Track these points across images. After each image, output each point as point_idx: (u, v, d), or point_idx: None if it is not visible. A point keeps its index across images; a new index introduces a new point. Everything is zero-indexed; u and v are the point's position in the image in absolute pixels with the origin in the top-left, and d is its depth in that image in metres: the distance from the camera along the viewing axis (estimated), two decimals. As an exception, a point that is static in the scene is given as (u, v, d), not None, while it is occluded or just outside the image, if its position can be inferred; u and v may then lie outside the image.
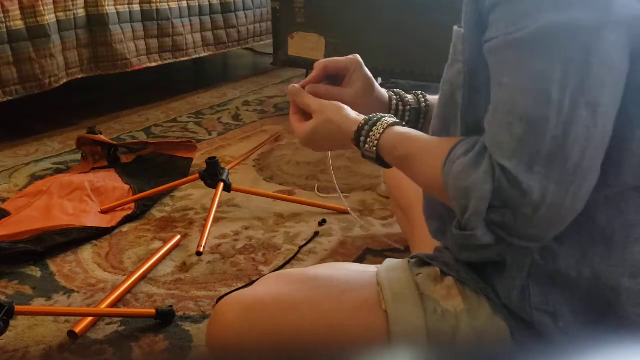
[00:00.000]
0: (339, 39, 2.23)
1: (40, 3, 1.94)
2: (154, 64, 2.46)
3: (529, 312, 0.64)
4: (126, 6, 2.30)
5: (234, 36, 2.86)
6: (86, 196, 1.58)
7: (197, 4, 2.63)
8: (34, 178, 1.77)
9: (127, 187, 1.66)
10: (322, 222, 1.48)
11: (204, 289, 1.22)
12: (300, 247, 1.37)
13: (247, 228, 1.47)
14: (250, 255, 1.35)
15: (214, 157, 1.51)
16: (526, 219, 0.55)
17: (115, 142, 1.87)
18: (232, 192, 1.53)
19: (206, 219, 1.39)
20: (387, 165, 0.72)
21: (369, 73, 0.85)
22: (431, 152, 0.65)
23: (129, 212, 1.52)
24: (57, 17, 2.03)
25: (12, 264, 1.29)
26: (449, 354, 0.65)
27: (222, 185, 1.49)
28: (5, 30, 1.87)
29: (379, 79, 0.89)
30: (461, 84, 0.64)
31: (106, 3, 2.20)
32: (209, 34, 2.72)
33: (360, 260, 1.33)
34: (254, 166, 1.87)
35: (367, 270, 0.79)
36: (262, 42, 3.13)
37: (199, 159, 1.85)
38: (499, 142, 0.56)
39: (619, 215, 0.61)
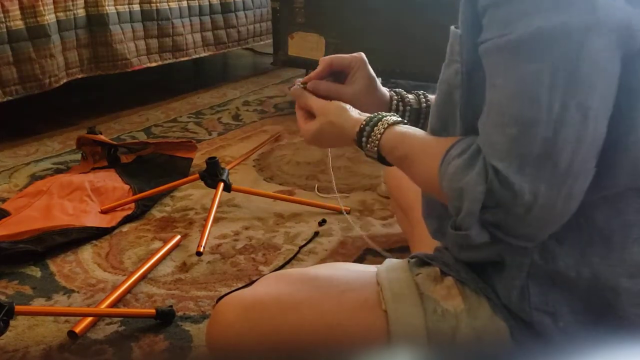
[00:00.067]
0: (339, 39, 2.23)
1: (40, 3, 1.94)
2: (154, 64, 2.46)
3: (528, 312, 0.64)
4: (126, 6, 2.30)
5: (234, 36, 2.87)
6: (86, 196, 1.58)
7: (197, 4, 2.63)
8: (34, 178, 1.77)
9: (127, 187, 1.66)
10: (322, 222, 1.48)
11: (204, 289, 1.22)
12: (300, 247, 1.37)
13: (247, 228, 1.47)
14: (250, 255, 1.35)
15: (214, 157, 1.51)
16: (519, 219, 0.56)
17: (115, 142, 1.87)
18: (232, 192, 1.53)
19: (206, 219, 1.39)
20: (389, 164, 0.73)
21: (372, 72, 0.86)
22: (429, 152, 0.66)
23: (129, 212, 1.52)
24: (57, 17, 2.03)
25: (12, 264, 1.29)
26: (449, 354, 0.65)
27: (222, 185, 1.49)
28: (5, 30, 1.87)
29: (379, 79, 0.90)
30: (459, 84, 0.65)
31: (106, 3, 2.20)
32: (209, 34, 2.72)
33: (360, 260, 1.33)
34: (254, 166, 1.88)
35: (367, 270, 0.79)
36: (262, 42, 3.13)
37: (199, 159, 1.85)
38: (492, 143, 0.56)
39: (617, 215, 0.61)
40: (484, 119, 0.59)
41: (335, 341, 0.71)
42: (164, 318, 1.09)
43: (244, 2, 2.88)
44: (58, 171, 1.83)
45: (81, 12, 2.14)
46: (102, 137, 1.86)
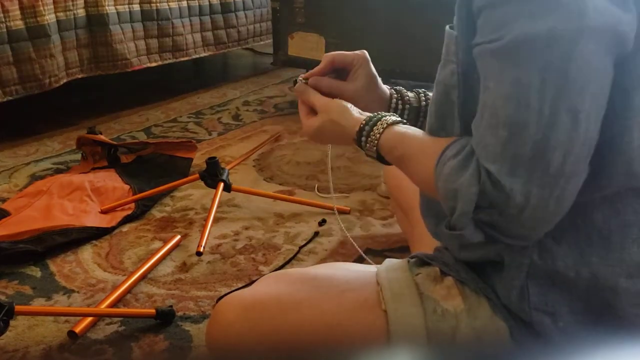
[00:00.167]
0: (339, 39, 2.23)
1: (40, 3, 1.94)
2: (154, 64, 2.46)
3: (528, 312, 0.64)
4: (126, 6, 2.30)
5: (234, 36, 2.87)
6: (86, 196, 1.58)
7: (197, 4, 2.63)
8: (34, 178, 1.77)
9: (127, 187, 1.66)
10: (322, 222, 1.48)
11: (204, 289, 1.22)
12: (300, 247, 1.37)
13: (247, 228, 1.47)
14: (250, 255, 1.35)
15: (214, 157, 1.51)
16: (512, 219, 0.56)
17: (115, 142, 1.87)
18: (232, 192, 1.53)
19: (206, 219, 1.39)
20: (388, 163, 0.73)
21: (373, 70, 0.87)
22: (426, 152, 0.66)
23: (129, 212, 1.52)
24: (57, 17, 2.03)
25: (12, 264, 1.29)
26: (449, 354, 0.65)
27: (222, 185, 1.49)
28: (5, 30, 1.87)
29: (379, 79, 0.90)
30: (455, 84, 0.65)
31: (106, 3, 2.20)
32: (209, 34, 2.72)
33: (360, 260, 1.32)
34: (254, 166, 1.88)
35: (367, 270, 0.79)
36: (262, 42, 3.13)
37: (199, 159, 1.85)
38: (484, 145, 0.57)
39: (616, 215, 0.61)
40: (477, 120, 0.59)
41: (335, 341, 0.71)
42: (164, 318, 1.09)
43: (244, 2, 2.88)
44: (58, 171, 1.83)
45: (81, 12, 2.14)
46: (102, 137, 1.86)
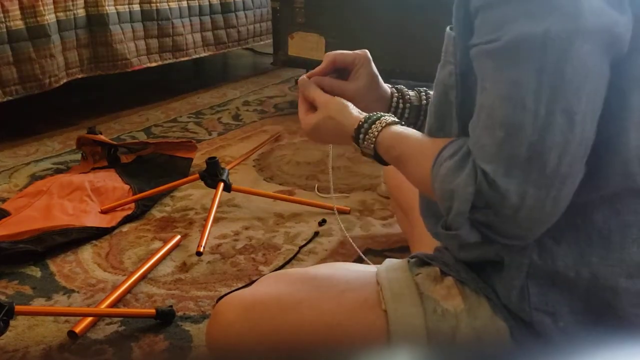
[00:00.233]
0: (339, 39, 2.23)
1: (40, 3, 1.94)
2: (154, 64, 2.46)
3: (528, 312, 0.64)
4: (126, 6, 2.30)
5: (234, 36, 2.87)
6: (86, 196, 1.58)
7: (197, 4, 2.63)
8: (34, 178, 1.77)
9: (127, 187, 1.66)
10: (322, 222, 1.48)
11: (204, 289, 1.22)
12: (300, 247, 1.37)
13: (247, 228, 1.47)
14: (250, 255, 1.35)
15: (214, 157, 1.51)
16: (508, 219, 0.56)
17: (115, 142, 1.87)
18: (232, 192, 1.53)
19: (206, 219, 1.39)
20: (385, 163, 0.73)
21: (375, 70, 0.87)
22: (423, 153, 0.67)
23: (129, 212, 1.52)
24: (57, 17, 2.03)
25: (12, 264, 1.29)
26: (449, 354, 0.65)
27: (222, 185, 1.49)
28: (5, 30, 1.87)
29: (379, 79, 0.90)
30: (453, 85, 0.66)
31: (106, 3, 2.20)
32: (209, 34, 2.72)
33: (360, 260, 1.32)
34: (254, 166, 1.88)
35: (367, 270, 0.79)
36: (262, 42, 3.13)
37: (199, 159, 1.85)
38: (480, 145, 0.57)
39: (615, 216, 0.61)
40: (474, 121, 0.59)
41: (335, 341, 0.71)
42: (164, 318, 1.09)
43: (244, 2, 2.88)
44: (58, 171, 1.83)
45: (81, 12, 2.14)
46: (102, 137, 1.86)
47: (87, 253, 1.36)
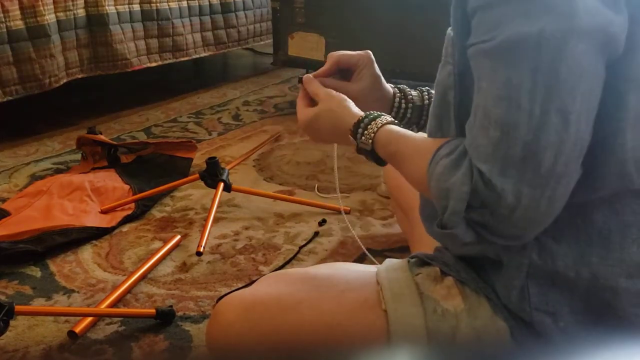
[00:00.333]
0: (339, 39, 2.23)
1: (40, 3, 1.94)
2: (154, 64, 2.46)
3: (528, 312, 0.64)
4: (126, 6, 2.30)
5: (234, 36, 2.87)
6: (86, 196, 1.58)
7: (197, 4, 2.63)
8: (34, 178, 1.77)
9: (127, 187, 1.66)
10: (322, 222, 1.48)
11: (204, 289, 1.22)
12: (300, 247, 1.37)
13: (247, 228, 1.47)
14: (250, 255, 1.35)
15: (214, 157, 1.51)
16: (504, 219, 0.56)
17: (115, 142, 1.87)
18: (232, 192, 1.53)
19: (206, 219, 1.39)
20: (380, 160, 0.74)
21: (378, 70, 0.88)
22: (420, 151, 0.67)
23: (129, 212, 1.52)
24: (57, 17, 2.03)
25: (12, 264, 1.29)
26: (449, 354, 0.65)
27: (222, 185, 1.49)
28: (5, 30, 1.87)
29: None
30: (452, 85, 0.66)
31: (106, 3, 2.20)
32: (209, 34, 2.72)
33: (360, 260, 1.33)
34: (254, 166, 1.88)
35: (367, 270, 0.79)
36: (262, 42, 3.13)
37: (199, 159, 1.85)
38: (476, 145, 0.57)
39: (615, 216, 0.61)
40: (471, 121, 0.60)
41: (335, 341, 0.71)
42: (164, 318, 1.09)
43: (244, 2, 2.88)
44: (58, 171, 1.83)
45: (81, 12, 2.14)
46: (102, 137, 1.86)
47: (87, 253, 1.36)
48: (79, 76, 2.19)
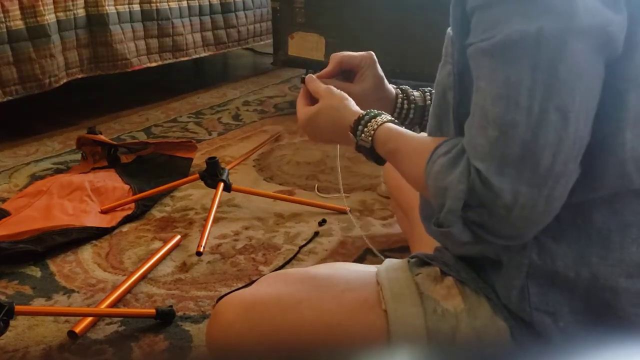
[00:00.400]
0: (339, 39, 2.23)
1: (40, 3, 1.94)
2: (154, 64, 2.46)
3: (528, 312, 0.64)
4: (126, 6, 2.30)
5: (234, 36, 2.87)
6: (86, 196, 1.58)
7: (197, 4, 2.63)
8: (34, 178, 1.77)
9: (127, 187, 1.66)
10: (322, 222, 1.48)
11: (204, 289, 1.22)
12: (300, 247, 1.37)
13: (247, 228, 1.47)
14: (250, 255, 1.35)
15: (214, 157, 1.51)
16: (502, 218, 0.56)
17: (115, 142, 1.87)
18: (232, 192, 1.53)
19: (206, 219, 1.39)
20: (379, 158, 0.74)
21: (380, 71, 0.89)
22: (418, 150, 0.67)
23: (129, 212, 1.52)
24: (57, 17, 2.03)
25: (12, 264, 1.29)
26: (449, 354, 0.65)
27: (222, 185, 1.49)
28: (5, 30, 1.87)
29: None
30: (451, 85, 0.66)
31: (106, 3, 2.20)
32: (209, 34, 2.72)
33: (360, 260, 1.33)
34: (254, 166, 1.88)
35: (367, 270, 0.79)
36: (262, 42, 3.13)
37: (199, 159, 1.85)
38: (474, 144, 0.57)
39: (615, 216, 0.61)
40: (469, 120, 0.60)
41: (335, 341, 0.71)
42: (164, 318, 1.09)
43: (244, 2, 2.88)
44: (58, 171, 1.83)
45: (81, 12, 2.14)
46: (102, 137, 1.86)
47: (87, 253, 1.36)
48: (79, 76, 2.19)
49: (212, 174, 1.50)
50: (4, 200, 1.61)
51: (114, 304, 1.15)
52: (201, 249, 1.27)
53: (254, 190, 1.61)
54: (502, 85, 0.55)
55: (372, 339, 0.70)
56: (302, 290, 0.75)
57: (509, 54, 0.55)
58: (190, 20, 2.60)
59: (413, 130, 0.73)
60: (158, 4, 2.42)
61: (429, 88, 0.91)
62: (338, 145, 0.99)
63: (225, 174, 1.52)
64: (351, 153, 1.90)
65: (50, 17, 1.99)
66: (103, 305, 1.12)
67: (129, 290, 1.19)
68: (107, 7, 2.20)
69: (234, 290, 0.83)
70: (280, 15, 2.40)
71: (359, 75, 0.89)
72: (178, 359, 1.03)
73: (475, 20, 0.59)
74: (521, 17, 0.55)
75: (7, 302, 0.95)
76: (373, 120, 0.73)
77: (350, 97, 0.82)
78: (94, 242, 1.40)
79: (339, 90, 0.81)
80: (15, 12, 1.89)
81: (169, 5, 2.47)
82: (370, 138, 0.73)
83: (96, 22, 2.19)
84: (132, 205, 1.55)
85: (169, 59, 2.53)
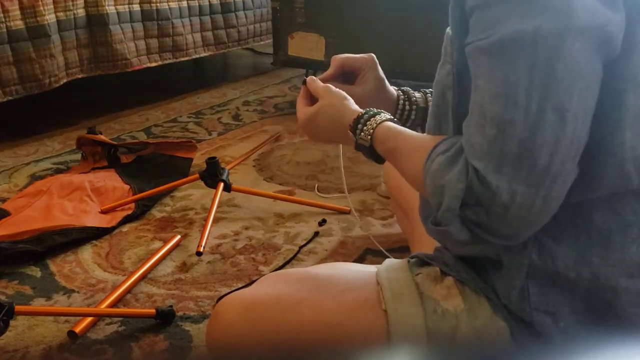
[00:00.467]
0: (339, 39, 2.23)
1: (40, 3, 1.94)
2: (154, 64, 2.46)
3: (528, 312, 0.64)
4: (126, 6, 2.30)
5: (234, 36, 2.87)
6: (86, 196, 1.58)
7: (197, 4, 2.63)
8: (34, 178, 1.77)
9: (127, 187, 1.66)
10: (322, 222, 1.48)
11: (204, 289, 1.22)
12: (300, 247, 1.37)
13: (247, 228, 1.47)
14: (250, 255, 1.35)
15: (214, 157, 1.51)
16: (499, 217, 0.56)
17: (115, 142, 1.87)
18: (232, 192, 1.53)
19: (206, 219, 1.39)
20: (378, 157, 0.74)
21: (381, 73, 0.89)
22: (417, 149, 0.67)
23: (129, 212, 1.52)
24: (57, 17, 2.03)
25: (12, 264, 1.29)
26: (449, 354, 0.65)
27: (222, 185, 1.49)
28: (5, 30, 1.87)
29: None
30: (450, 85, 0.66)
31: (106, 3, 2.20)
32: (209, 34, 2.72)
33: (360, 260, 1.33)
34: (254, 166, 1.88)
35: (367, 270, 0.79)
36: (262, 42, 3.13)
37: (199, 159, 1.85)
38: (472, 143, 0.58)
39: (615, 216, 0.61)
40: (468, 119, 0.60)
41: (335, 341, 0.71)
42: (164, 318, 1.09)
43: (244, 2, 2.88)
44: (58, 171, 1.83)
45: (81, 12, 2.14)
46: (102, 137, 1.86)
47: (87, 253, 1.36)
48: (79, 76, 2.19)
49: (212, 174, 1.50)
50: (4, 200, 1.61)
51: (114, 304, 1.15)
52: (201, 249, 1.27)
53: (254, 190, 1.61)
54: (501, 84, 0.56)
55: (372, 339, 0.70)
56: (302, 290, 0.75)
57: (507, 53, 0.55)
58: (190, 20, 2.60)
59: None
60: (158, 4, 2.42)
61: (430, 89, 0.91)
62: (341, 145, 0.99)
63: (225, 174, 1.52)
64: (351, 153, 1.91)
65: (50, 17, 1.99)
66: (103, 305, 1.12)
67: (129, 290, 1.19)
68: (107, 7, 2.20)
69: (234, 290, 0.83)
70: (280, 15, 2.40)
71: (360, 77, 0.89)
72: (178, 359, 1.03)
73: (474, 20, 0.59)
74: (520, 16, 0.55)
75: (7, 302, 0.95)
76: (372, 118, 0.73)
77: (352, 98, 0.82)
78: (94, 242, 1.40)
79: (337, 89, 0.82)
80: (15, 12, 1.89)
81: (169, 5, 2.47)
82: (369, 137, 0.73)
83: (96, 22, 2.19)
84: (132, 205, 1.55)
85: (169, 59, 2.54)
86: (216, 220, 1.48)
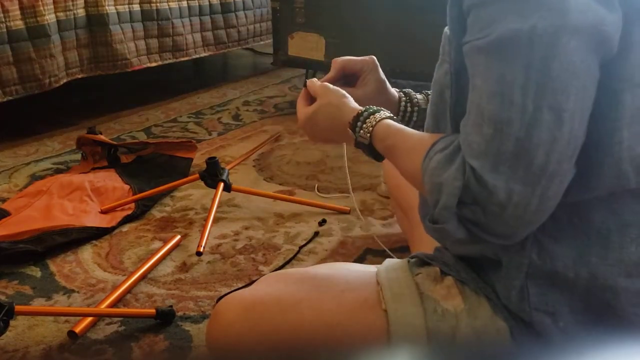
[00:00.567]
0: (339, 39, 2.23)
1: (40, 3, 1.94)
2: (154, 64, 2.46)
3: (528, 312, 0.64)
4: (126, 6, 2.30)
5: (234, 36, 2.87)
6: (86, 196, 1.58)
7: (197, 4, 2.63)
8: (34, 178, 1.77)
9: (127, 187, 1.66)
10: (322, 222, 1.48)
11: (204, 289, 1.22)
12: (300, 247, 1.37)
13: (247, 228, 1.47)
14: (250, 255, 1.35)
15: (214, 157, 1.51)
16: (496, 216, 0.57)
17: (115, 142, 1.87)
18: (232, 192, 1.53)
19: (206, 219, 1.39)
20: (377, 155, 0.74)
21: (382, 75, 0.89)
22: (416, 147, 0.67)
23: (129, 212, 1.52)
24: (57, 17, 2.03)
25: (12, 264, 1.29)
26: (449, 354, 0.65)
27: (222, 185, 1.49)
28: (5, 30, 1.87)
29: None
30: (448, 84, 0.66)
31: (106, 3, 2.20)
32: (209, 34, 2.72)
33: (360, 260, 1.33)
34: (254, 166, 1.88)
35: (367, 270, 0.79)
36: (262, 42, 3.13)
37: (199, 159, 1.85)
38: (470, 142, 0.58)
39: (613, 215, 0.61)
40: (465, 118, 0.60)
41: (335, 341, 0.71)
42: (164, 318, 1.09)
43: (244, 2, 2.88)
44: (58, 171, 1.83)
45: (81, 12, 2.14)
46: (102, 137, 1.86)
47: (87, 253, 1.36)
48: (79, 76, 2.19)
49: (212, 174, 1.50)
50: (4, 200, 1.61)
51: (114, 304, 1.15)
52: (201, 249, 1.27)
53: (254, 190, 1.61)
54: (497, 83, 0.56)
55: (372, 339, 0.70)
56: (302, 290, 0.75)
57: (503, 52, 0.56)
58: (190, 20, 2.61)
59: None
60: (158, 4, 2.42)
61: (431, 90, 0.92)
62: (345, 145, 0.99)
63: (225, 174, 1.52)
64: (351, 153, 1.90)
65: (50, 17, 1.99)
66: (103, 305, 1.12)
67: (129, 290, 1.19)
68: (107, 7, 2.20)
69: (234, 290, 0.83)
70: (280, 15, 2.40)
71: (361, 80, 0.89)
72: (178, 359, 1.03)
73: (471, 19, 0.60)
74: (516, 15, 0.55)
75: (7, 302, 0.95)
76: (372, 116, 0.74)
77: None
78: (94, 242, 1.40)
79: (335, 87, 0.82)
80: (15, 12, 1.90)
81: (169, 5, 2.47)
82: (369, 134, 0.73)
83: (96, 22, 2.19)
84: (132, 205, 1.55)
85: (169, 59, 2.54)
86: (216, 220, 1.48)
